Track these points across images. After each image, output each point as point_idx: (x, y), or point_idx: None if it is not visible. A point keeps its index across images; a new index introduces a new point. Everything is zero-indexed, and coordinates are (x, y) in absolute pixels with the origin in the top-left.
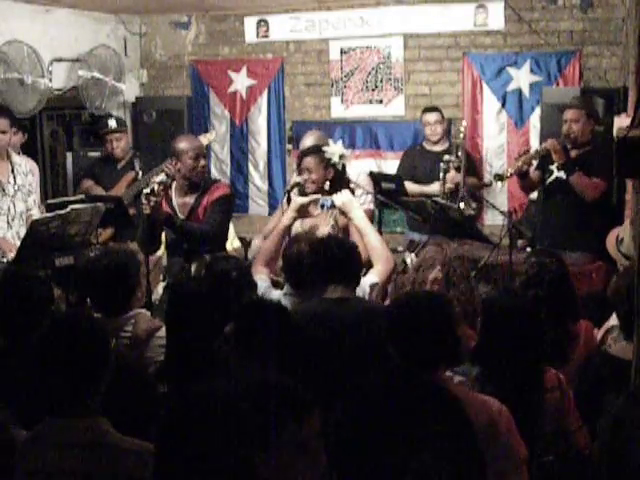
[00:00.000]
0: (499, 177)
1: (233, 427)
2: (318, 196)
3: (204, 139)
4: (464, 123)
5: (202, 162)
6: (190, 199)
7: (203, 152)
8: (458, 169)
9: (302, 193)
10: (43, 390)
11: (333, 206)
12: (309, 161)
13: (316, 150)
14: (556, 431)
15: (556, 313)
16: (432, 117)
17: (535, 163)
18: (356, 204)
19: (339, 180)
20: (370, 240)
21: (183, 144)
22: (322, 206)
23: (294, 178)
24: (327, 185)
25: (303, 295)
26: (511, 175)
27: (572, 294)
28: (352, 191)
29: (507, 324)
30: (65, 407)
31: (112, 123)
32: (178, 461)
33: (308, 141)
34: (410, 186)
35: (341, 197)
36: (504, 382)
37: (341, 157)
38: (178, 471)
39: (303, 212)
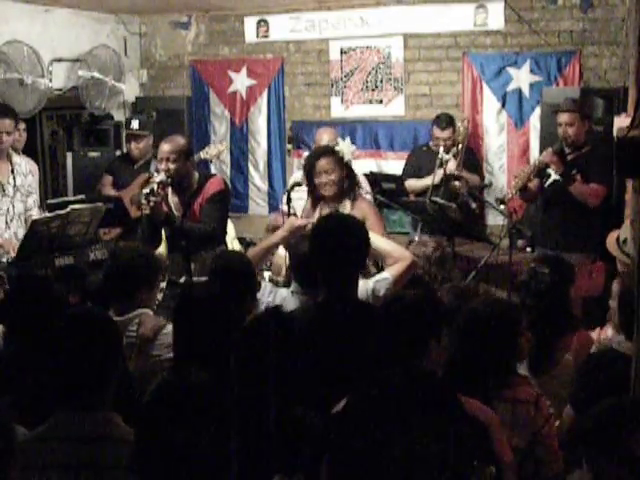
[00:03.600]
0: (501, 201)
1: (210, 421)
2: (313, 220)
3: (214, 149)
4: (464, 122)
5: (172, 166)
6: (184, 197)
7: (173, 155)
8: (455, 156)
9: (319, 197)
10: (57, 383)
11: None
12: (327, 162)
13: (330, 151)
14: (526, 451)
15: (543, 324)
16: (442, 134)
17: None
18: None
19: (351, 178)
20: (379, 247)
21: (160, 148)
22: None
23: (294, 178)
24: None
25: (311, 293)
26: (512, 196)
27: (563, 307)
28: (358, 186)
29: (475, 332)
30: (78, 401)
31: (134, 124)
32: (156, 452)
33: (326, 138)
34: (412, 182)
35: None
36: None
37: (351, 154)
38: (157, 461)
39: (297, 234)
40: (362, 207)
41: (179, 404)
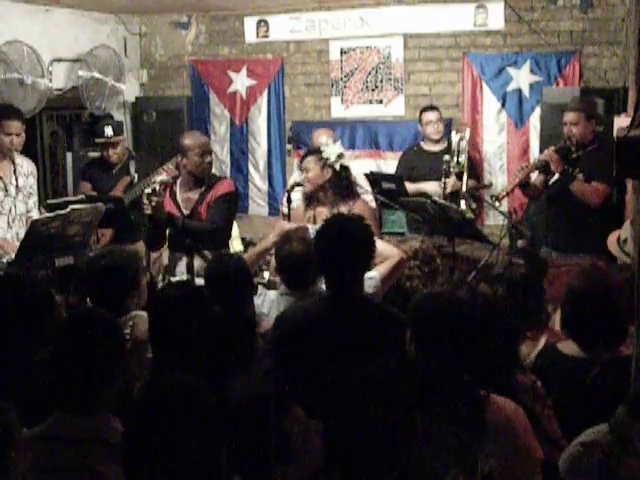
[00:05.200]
0: (496, 198)
1: (197, 421)
2: (307, 225)
3: None
4: (468, 131)
5: (208, 159)
6: (194, 195)
7: (209, 149)
8: (458, 175)
9: (305, 195)
10: (56, 384)
11: None
12: (308, 160)
13: (315, 150)
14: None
15: (514, 314)
16: (434, 115)
17: (535, 173)
18: None
19: (340, 182)
20: None
21: (189, 140)
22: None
23: (294, 178)
24: (327, 186)
25: (299, 294)
26: (508, 194)
27: (536, 299)
28: (355, 193)
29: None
30: (77, 403)
31: (109, 131)
32: (144, 452)
33: (324, 138)
34: (407, 185)
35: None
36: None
37: (339, 157)
38: (145, 462)
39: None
40: (355, 209)
41: (160, 408)
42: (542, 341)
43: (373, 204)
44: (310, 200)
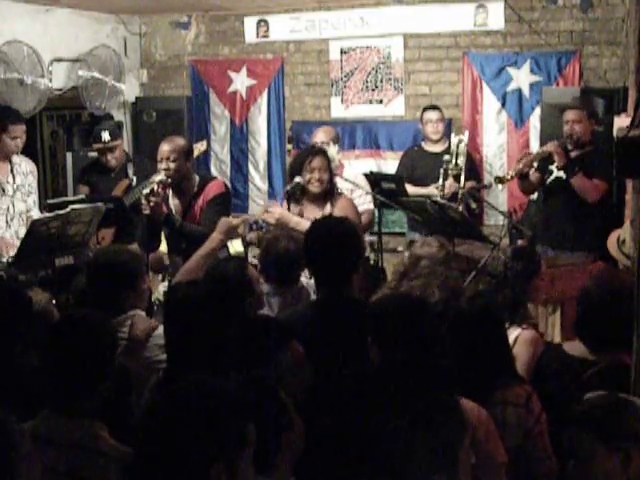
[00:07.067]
0: (500, 180)
1: (208, 427)
2: (247, 217)
3: (194, 150)
4: (466, 133)
5: (172, 165)
6: (184, 199)
7: (173, 155)
8: (456, 177)
9: (305, 192)
10: (43, 385)
11: (260, 227)
12: (321, 160)
13: (322, 151)
14: (517, 451)
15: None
16: (434, 115)
17: (536, 165)
18: (288, 213)
19: (333, 182)
20: None
21: (160, 148)
22: (251, 227)
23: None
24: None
25: (284, 294)
26: (512, 178)
27: (516, 297)
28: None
29: (458, 331)
30: (63, 405)
31: (105, 136)
32: (154, 459)
33: (322, 136)
34: (408, 188)
35: (272, 215)
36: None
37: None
38: (155, 470)
39: (232, 234)
40: (343, 205)
41: (171, 419)
42: (514, 334)
43: (371, 205)
44: (299, 198)
